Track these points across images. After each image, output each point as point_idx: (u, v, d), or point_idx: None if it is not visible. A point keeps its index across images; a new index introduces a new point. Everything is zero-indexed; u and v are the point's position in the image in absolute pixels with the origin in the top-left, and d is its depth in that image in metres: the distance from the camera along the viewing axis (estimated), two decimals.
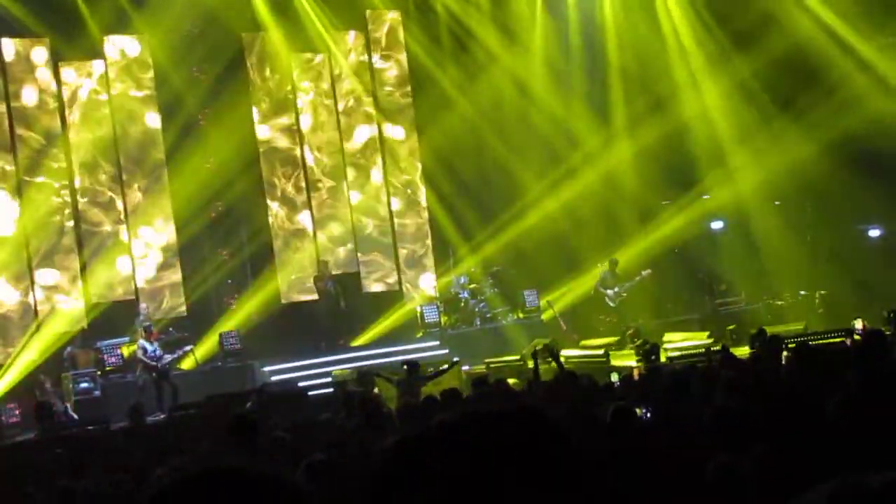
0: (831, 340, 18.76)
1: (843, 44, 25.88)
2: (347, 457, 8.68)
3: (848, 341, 16.37)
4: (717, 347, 19.52)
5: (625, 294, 26.45)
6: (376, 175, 29.20)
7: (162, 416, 21.53)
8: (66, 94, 25.86)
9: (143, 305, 25.28)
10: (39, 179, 25.37)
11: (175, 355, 23.39)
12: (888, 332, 14.59)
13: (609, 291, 26.52)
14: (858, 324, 19.39)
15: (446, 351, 25.17)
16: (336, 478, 7.96)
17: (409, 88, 29.68)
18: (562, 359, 23.04)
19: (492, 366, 22.87)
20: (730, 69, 27.09)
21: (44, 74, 25.67)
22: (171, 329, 24.45)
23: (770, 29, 26.02)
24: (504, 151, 28.84)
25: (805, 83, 26.12)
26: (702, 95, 27.76)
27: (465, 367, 23.59)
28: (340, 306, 26.25)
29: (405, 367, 18.78)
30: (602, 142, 28.48)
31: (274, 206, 27.98)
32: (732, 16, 26.85)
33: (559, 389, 12.54)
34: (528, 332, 25.63)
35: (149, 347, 22.77)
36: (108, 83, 26.29)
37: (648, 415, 10.56)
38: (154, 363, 22.65)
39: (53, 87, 25.78)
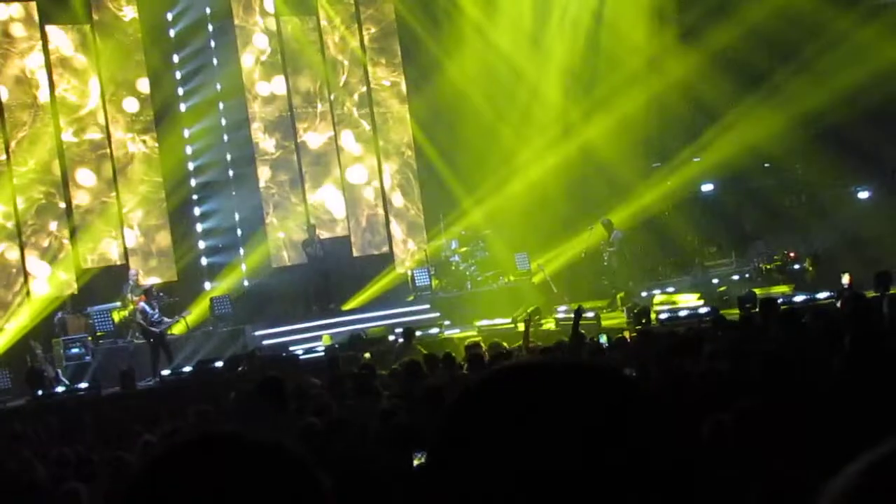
0: (820, 302, 18.89)
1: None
2: (337, 423, 8.68)
3: (839, 303, 16.38)
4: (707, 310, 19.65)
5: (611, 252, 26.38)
6: (366, 137, 29.17)
7: (154, 381, 21.60)
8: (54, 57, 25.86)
9: (132, 271, 25.24)
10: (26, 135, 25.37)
11: (173, 320, 23.43)
12: (876, 294, 14.62)
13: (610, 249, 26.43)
14: (845, 278, 19.58)
15: (437, 314, 25.20)
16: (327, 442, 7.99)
17: (398, 49, 29.64)
18: (552, 321, 23.27)
19: (483, 329, 22.88)
20: (710, 39, 26.96)
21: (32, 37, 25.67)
22: (161, 293, 24.41)
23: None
24: (492, 118, 28.79)
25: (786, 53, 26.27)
26: (686, 62, 27.59)
27: (456, 331, 23.68)
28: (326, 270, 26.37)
29: (402, 332, 18.83)
30: (586, 110, 28.41)
31: (265, 171, 27.95)
32: None
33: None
34: (519, 296, 25.64)
35: (150, 311, 22.76)
36: (96, 46, 26.26)
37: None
38: (153, 328, 22.66)
39: (41, 50, 25.75)
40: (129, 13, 26.63)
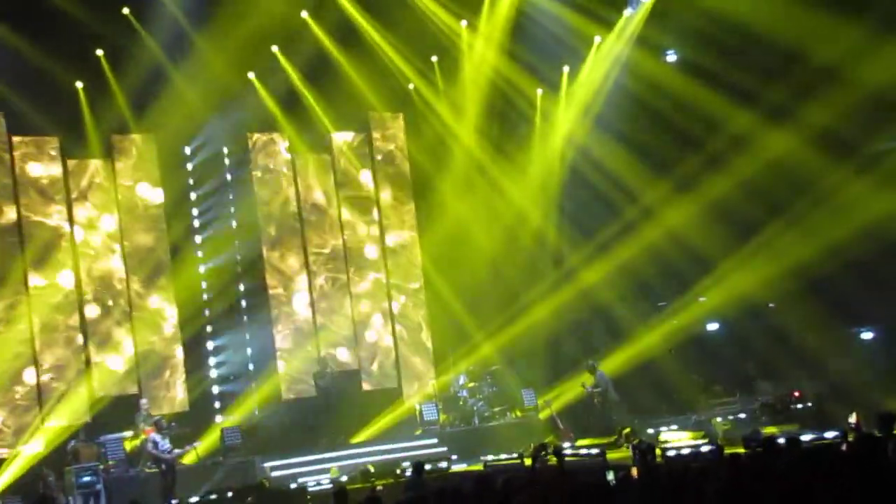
0: (825, 441, 18.76)
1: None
2: None
3: (844, 446, 16.28)
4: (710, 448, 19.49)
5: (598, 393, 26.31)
6: (378, 275, 29.33)
7: None
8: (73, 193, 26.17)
9: (143, 400, 25.26)
10: (46, 270, 25.54)
11: (184, 450, 23.36)
12: (879, 435, 14.54)
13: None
14: (853, 418, 19.46)
15: (445, 448, 25.10)
16: None
17: (409, 189, 29.95)
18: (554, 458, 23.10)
19: (490, 464, 22.75)
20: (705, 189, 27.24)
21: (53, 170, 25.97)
22: (173, 423, 24.36)
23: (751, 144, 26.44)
24: (497, 257, 29.03)
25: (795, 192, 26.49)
26: (681, 212, 27.80)
27: (463, 465, 23.54)
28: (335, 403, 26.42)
29: (412, 467, 18.72)
30: (586, 255, 28.67)
31: (277, 301, 28.09)
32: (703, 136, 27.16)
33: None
34: (525, 431, 25.57)
35: (160, 441, 22.73)
36: (115, 179, 26.55)
37: None
38: (164, 456, 22.61)
39: (61, 181, 26.04)
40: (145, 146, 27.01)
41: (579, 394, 26.75)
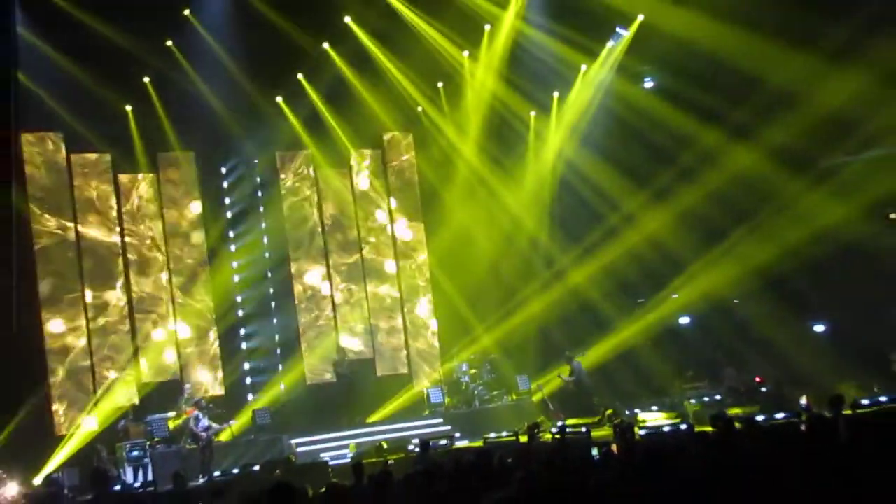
0: (777, 421, 18.81)
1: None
2: None
3: (802, 426, 16.29)
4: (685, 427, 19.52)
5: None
6: (391, 272, 29.38)
7: (203, 480, 21.50)
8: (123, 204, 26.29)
9: (186, 385, 25.37)
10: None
11: (221, 427, 23.42)
12: (829, 415, 14.55)
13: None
14: (804, 399, 19.54)
15: (449, 427, 25.14)
16: None
17: (418, 199, 29.99)
18: (549, 435, 23.12)
19: (489, 441, 22.77)
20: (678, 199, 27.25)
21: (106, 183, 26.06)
22: (211, 405, 24.42)
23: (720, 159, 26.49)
24: (497, 260, 29.09)
25: (757, 201, 26.55)
26: (657, 219, 27.80)
27: (465, 442, 23.54)
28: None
29: (418, 444, 18.73)
30: (575, 257, 28.66)
31: (302, 298, 28.14)
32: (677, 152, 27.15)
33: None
34: (520, 412, 25.60)
35: (201, 419, 22.85)
36: (159, 191, 26.64)
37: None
38: (203, 433, 22.70)
39: (112, 193, 26.13)
40: (186, 162, 27.10)
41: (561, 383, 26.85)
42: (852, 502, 6.76)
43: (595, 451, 16.63)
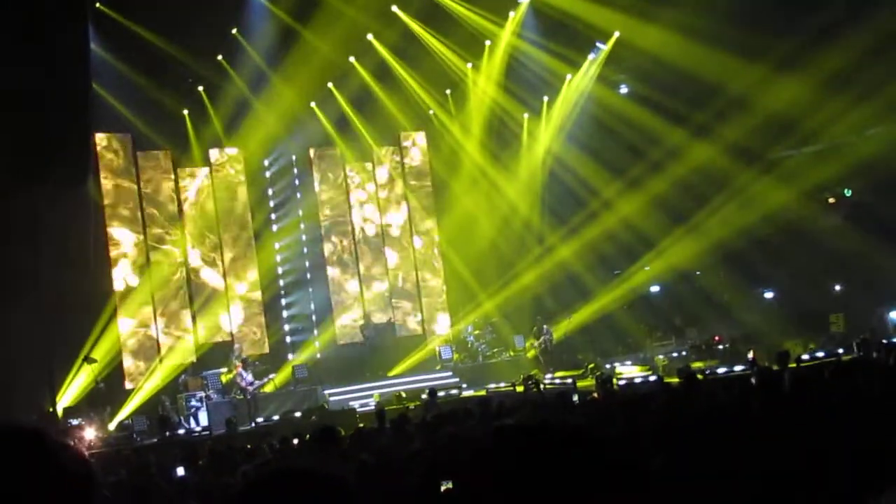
0: (733, 374, 18.79)
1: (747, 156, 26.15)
2: (383, 458, 8.58)
3: (753, 379, 16.24)
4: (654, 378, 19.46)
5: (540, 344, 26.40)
6: (407, 251, 29.36)
7: (251, 425, 21.54)
8: (182, 190, 26.24)
9: (237, 345, 25.37)
10: (165, 247, 25.64)
11: (262, 381, 23.43)
12: (776, 367, 14.53)
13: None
14: (750, 354, 19.65)
15: (457, 379, 25.14)
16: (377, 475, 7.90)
17: (430, 187, 29.94)
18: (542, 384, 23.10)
19: (490, 391, 22.79)
20: (649, 187, 27.12)
21: (167, 176, 26.01)
22: (257, 362, 24.45)
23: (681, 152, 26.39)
24: (496, 239, 29.07)
25: (715, 189, 26.52)
26: (631, 203, 27.65)
27: (471, 392, 23.56)
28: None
29: (428, 392, 18.71)
30: (562, 235, 28.57)
31: (333, 271, 28.14)
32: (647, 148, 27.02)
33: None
34: (516, 366, 25.59)
35: (246, 375, 22.86)
36: (213, 183, 26.62)
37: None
38: (248, 386, 22.73)
39: (173, 184, 26.12)
40: (234, 158, 27.04)
41: (557, 339, 26.80)
42: (794, 444, 6.70)
43: (575, 398, 16.60)
